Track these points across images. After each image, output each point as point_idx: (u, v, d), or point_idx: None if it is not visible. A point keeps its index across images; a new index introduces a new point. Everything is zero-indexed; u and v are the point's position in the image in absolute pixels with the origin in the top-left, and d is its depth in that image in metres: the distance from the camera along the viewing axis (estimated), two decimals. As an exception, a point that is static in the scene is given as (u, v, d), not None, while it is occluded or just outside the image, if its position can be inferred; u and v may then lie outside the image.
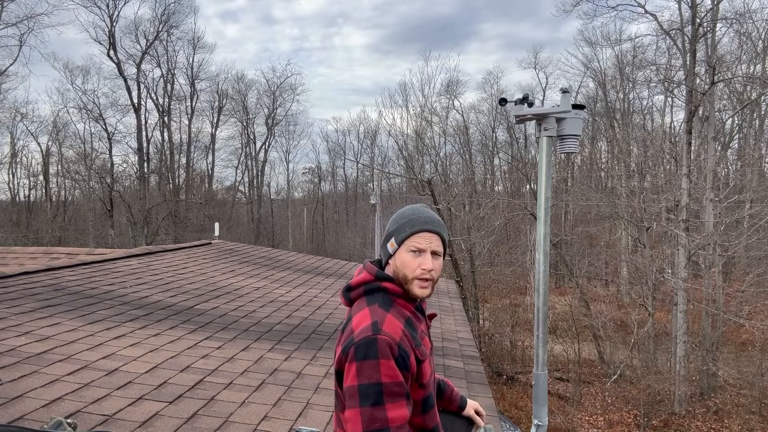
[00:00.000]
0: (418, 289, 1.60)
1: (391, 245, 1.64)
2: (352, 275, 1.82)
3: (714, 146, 16.78)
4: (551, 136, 2.65)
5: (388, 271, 1.67)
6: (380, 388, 1.41)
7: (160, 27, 30.52)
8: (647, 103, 30.95)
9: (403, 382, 1.45)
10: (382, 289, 1.61)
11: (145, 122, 31.19)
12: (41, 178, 34.83)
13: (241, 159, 40.69)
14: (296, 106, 67.66)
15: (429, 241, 1.61)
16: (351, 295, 1.65)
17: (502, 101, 2.64)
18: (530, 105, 2.59)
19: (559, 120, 2.63)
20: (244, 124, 39.79)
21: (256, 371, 3.51)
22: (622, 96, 30.48)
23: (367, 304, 1.58)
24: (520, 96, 2.61)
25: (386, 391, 1.41)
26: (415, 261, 1.59)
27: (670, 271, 16.30)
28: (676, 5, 16.31)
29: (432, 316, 1.81)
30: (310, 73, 74.60)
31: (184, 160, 35.30)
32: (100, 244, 28.29)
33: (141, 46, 30.24)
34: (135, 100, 29.67)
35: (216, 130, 37.92)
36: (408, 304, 1.64)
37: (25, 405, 2.58)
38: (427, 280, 1.60)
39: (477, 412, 1.98)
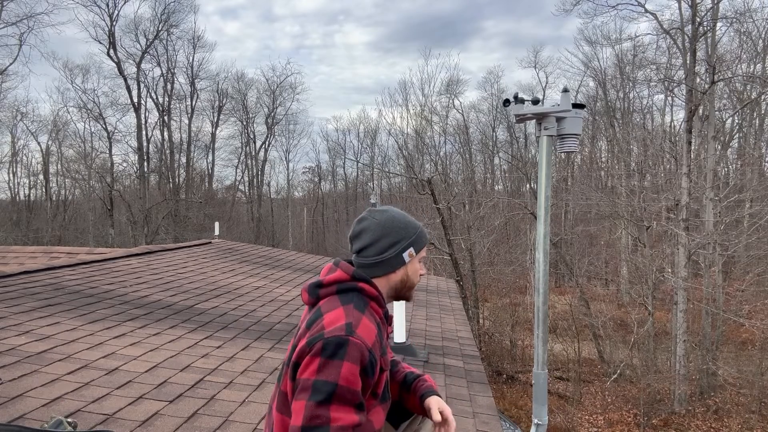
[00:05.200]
0: (413, 294, 1.71)
1: (410, 255, 1.63)
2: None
3: (714, 145, 16.78)
4: (551, 136, 2.65)
5: (388, 281, 1.64)
6: (333, 389, 1.36)
7: (160, 26, 30.52)
8: (647, 103, 30.97)
9: (358, 392, 1.40)
10: (358, 289, 1.57)
11: (145, 121, 31.22)
12: (41, 177, 34.86)
13: (241, 158, 40.71)
14: (296, 105, 67.62)
15: None
16: (320, 292, 1.59)
17: (506, 102, 2.64)
18: (535, 103, 2.59)
19: (559, 119, 2.63)
20: (244, 123, 39.79)
21: (257, 370, 3.51)
22: (622, 95, 30.50)
23: (341, 303, 1.53)
24: (521, 95, 2.61)
25: (338, 393, 1.36)
26: (420, 268, 1.69)
27: (670, 270, 16.31)
28: (677, 4, 16.29)
29: (390, 320, 1.76)
30: (310, 72, 74.54)
31: (184, 160, 35.30)
32: (100, 243, 28.31)
33: (141, 45, 30.24)
34: (135, 100, 29.68)
35: (216, 129, 37.94)
36: (379, 308, 1.60)
37: (26, 404, 2.58)
38: None
39: (441, 413, 1.68)
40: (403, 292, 1.68)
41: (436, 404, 1.70)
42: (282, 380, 1.56)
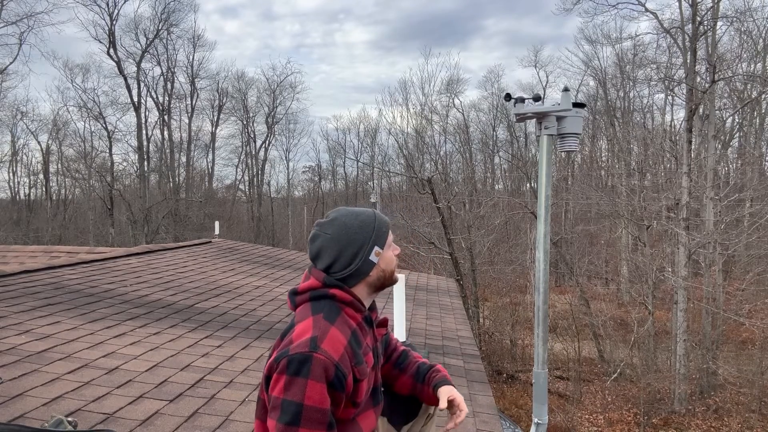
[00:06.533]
0: (397, 275, 1.70)
1: (377, 254, 1.60)
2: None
3: (714, 145, 16.78)
4: (551, 135, 2.64)
5: (366, 283, 1.61)
6: (300, 410, 1.36)
7: (160, 25, 30.57)
8: (647, 102, 30.97)
9: (326, 410, 1.39)
10: (330, 296, 1.55)
11: (145, 121, 31.27)
12: (41, 176, 34.90)
13: (241, 157, 40.73)
14: (296, 105, 67.77)
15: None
16: (296, 299, 1.59)
17: (507, 96, 2.63)
18: (536, 99, 2.58)
19: (559, 118, 2.63)
20: (245, 122, 39.80)
21: (257, 369, 3.51)
22: (622, 94, 30.48)
23: (311, 312, 1.52)
24: (521, 95, 2.61)
25: (305, 414, 1.36)
26: (391, 251, 1.67)
27: (670, 269, 16.30)
28: (677, 3, 16.31)
29: (384, 323, 1.74)
30: (310, 71, 74.58)
31: (184, 159, 35.36)
32: (101, 242, 28.29)
33: (141, 45, 30.29)
34: (135, 99, 29.71)
35: (216, 128, 37.99)
36: (356, 314, 1.57)
37: (26, 403, 2.58)
38: None
39: (450, 400, 1.74)
40: (385, 283, 1.66)
41: (446, 393, 1.73)
42: (259, 387, 1.56)
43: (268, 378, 1.47)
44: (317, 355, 1.40)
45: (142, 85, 30.59)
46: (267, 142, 40.65)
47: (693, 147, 16.07)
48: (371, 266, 1.60)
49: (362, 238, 1.58)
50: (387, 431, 1.83)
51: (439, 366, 1.87)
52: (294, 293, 1.61)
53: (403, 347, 1.94)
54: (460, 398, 1.75)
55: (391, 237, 1.67)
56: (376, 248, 1.60)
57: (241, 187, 42.35)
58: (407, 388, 1.85)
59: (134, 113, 29.69)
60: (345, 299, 1.56)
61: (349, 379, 1.45)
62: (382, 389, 1.90)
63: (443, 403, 1.71)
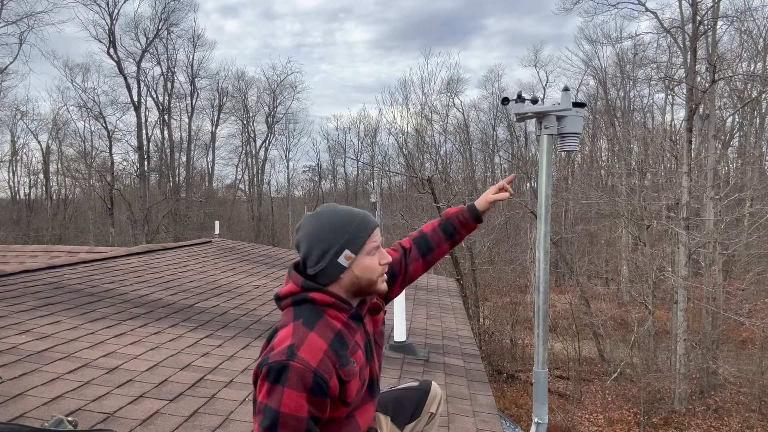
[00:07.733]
0: (382, 285, 1.62)
1: (347, 258, 1.53)
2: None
3: (714, 144, 16.78)
4: (552, 135, 2.64)
5: (340, 285, 1.56)
6: (276, 416, 1.38)
7: (160, 24, 30.59)
8: (648, 101, 30.93)
9: (303, 418, 1.40)
10: (310, 300, 1.53)
11: (145, 120, 31.27)
12: (41, 176, 34.91)
13: (242, 157, 40.72)
14: (296, 104, 67.79)
15: (378, 235, 1.60)
16: (281, 304, 1.59)
17: (505, 100, 2.62)
18: (534, 102, 2.57)
19: (559, 118, 2.62)
20: (245, 122, 39.78)
21: (257, 369, 3.51)
22: (622, 94, 30.45)
23: (293, 317, 1.51)
24: (523, 94, 2.60)
25: (281, 421, 1.38)
26: (375, 260, 1.58)
27: (670, 269, 16.30)
28: (677, 3, 16.32)
29: (377, 308, 1.72)
30: (311, 70, 74.37)
31: (184, 158, 35.35)
32: (101, 242, 28.30)
33: (141, 44, 30.30)
34: (135, 98, 29.72)
35: (216, 128, 37.97)
36: (340, 313, 1.55)
37: (26, 403, 2.58)
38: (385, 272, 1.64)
39: (496, 196, 2.09)
40: (363, 291, 1.60)
41: (488, 198, 2.08)
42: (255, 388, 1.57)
43: (255, 382, 1.49)
44: (294, 364, 1.40)
45: (142, 84, 30.64)
46: (267, 141, 40.68)
47: (693, 147, 16.07)
48: (341, 270, 1.54)
49: (332, 239, 1.53)
50: (391, 430, 1.84)
51: (446, 212, 2.07)
52: (278, 298, 1.61)
53: (409, 241, 2.01)
54: (496, 186, 2.12)
55: (373, 244, 1.58)
56: (347, 252, 1.53)
57: (241, 186, 42.40)
58: (447, 249, 2.04)
59: (134, 113, 29.73)
60: (326, 301, 1.53)
61: (332, 383, 1.45)
62: (393, 387, 1.93)
63: (502, 195, 2.09)
